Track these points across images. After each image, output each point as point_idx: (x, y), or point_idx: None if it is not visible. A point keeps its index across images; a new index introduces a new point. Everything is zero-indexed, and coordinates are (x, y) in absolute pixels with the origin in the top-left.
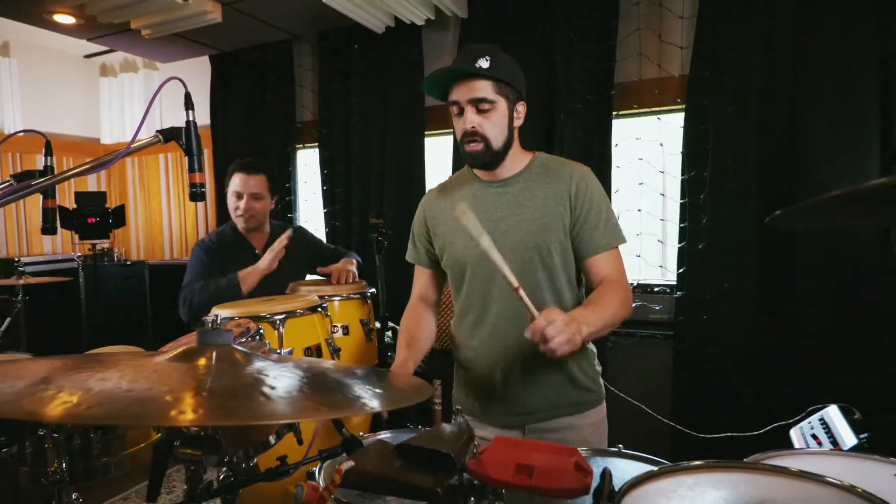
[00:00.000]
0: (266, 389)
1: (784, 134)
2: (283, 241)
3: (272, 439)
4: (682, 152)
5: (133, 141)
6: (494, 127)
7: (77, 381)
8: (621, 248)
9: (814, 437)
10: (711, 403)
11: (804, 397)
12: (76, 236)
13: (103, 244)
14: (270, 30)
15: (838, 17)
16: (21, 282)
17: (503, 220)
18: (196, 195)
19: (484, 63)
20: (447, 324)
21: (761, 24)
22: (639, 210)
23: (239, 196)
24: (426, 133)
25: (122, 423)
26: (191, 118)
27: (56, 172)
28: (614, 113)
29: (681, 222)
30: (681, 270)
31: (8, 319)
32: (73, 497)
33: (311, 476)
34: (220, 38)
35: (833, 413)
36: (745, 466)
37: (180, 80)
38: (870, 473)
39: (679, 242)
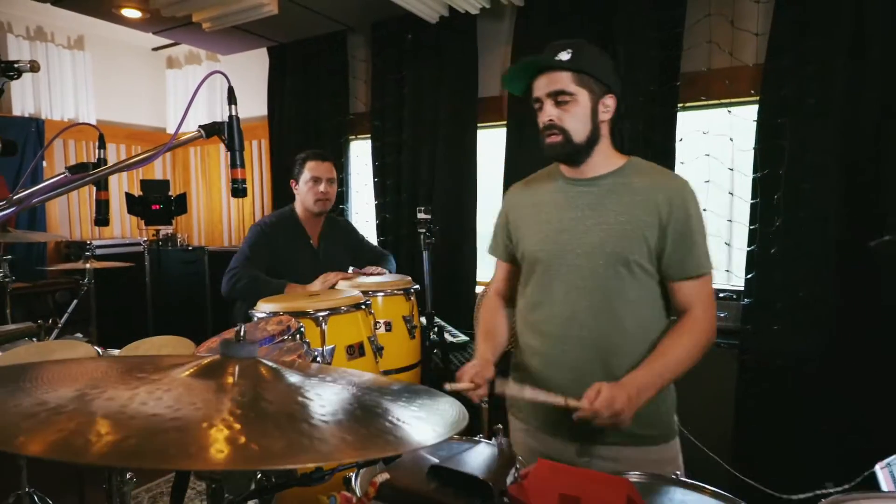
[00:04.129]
0: (308, 419)
1: (873, 130)
2: (343, 274)
3: None
4: (755, 148)
5: (175, 136)
6: (574, 119)
7: (111, 405)
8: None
9: None
10: (778, 422)
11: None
12: (142, 222)
13: (167, 230)
14: (326, 21)
15: None
16: (88, 265)
17: (581, 220)
18: (237, 191)
19: (564, 55)
20: None
21: (850, 8)
22: (704, 210)
23: (317, 180)
24: (478, 125)
25: (153, 465)
26: (233, 112)
27: (118, 161)
28: (679, 105)
29: (751, 224)
30: (749, 276)
31: (75, 301)
32: (128, 476)
33: (347, 483)
34: (277, 29)
35: None
36: None
37: (223, 74)
38: None
39: (749, 245)
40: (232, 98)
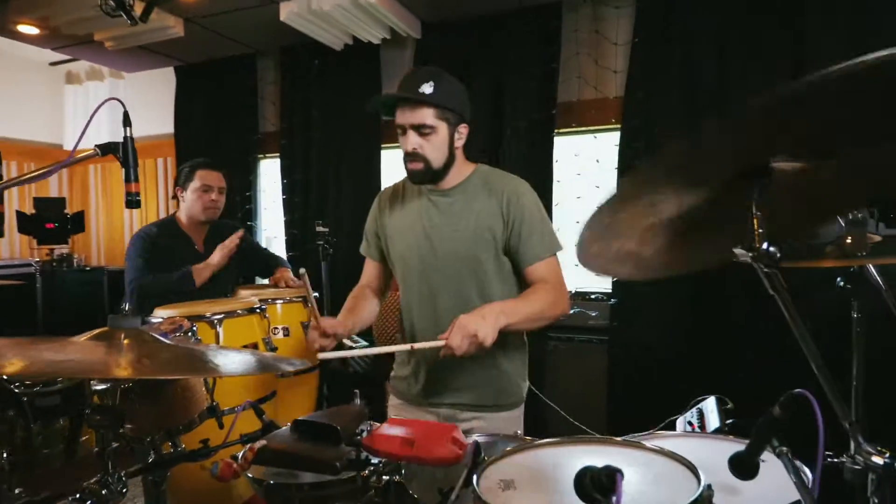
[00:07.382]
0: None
1: None
2: (234, 239)
3: (197, 420)
4: (617, 168)
5: (72, 154)
6: (435, 149)
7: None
8: (562, 255)
9: (690, 423)
10: (644, 405)
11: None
12: (34, 241)
13: (62, 249)
14: (233, 44)
15: (759, 41)
16: None
17: (441, 227)
18: (131, 203)
19: (427, 89)
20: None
21: (686, 50)
22: (577, 222)
23: (207, 189)
24: (382, 146)
25: (76, 376)
26: (128, 134)
27: (11, 178)
28: (556, 131)
29: None
30: (615, 279)
31: None
32: (17, 492)
33: (235, 459)
34: (184, 50)
35: (710, 403)
36: (582, 440)
37: (119, 101)
38: (707, 448)
39: None
40: (127, 121)
